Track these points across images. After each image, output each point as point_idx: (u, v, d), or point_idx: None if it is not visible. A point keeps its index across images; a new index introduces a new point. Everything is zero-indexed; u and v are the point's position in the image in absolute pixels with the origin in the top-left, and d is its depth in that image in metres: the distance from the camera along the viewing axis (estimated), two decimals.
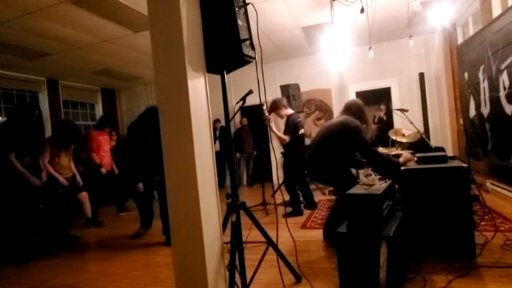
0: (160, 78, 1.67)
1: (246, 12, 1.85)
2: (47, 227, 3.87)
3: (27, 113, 3.45)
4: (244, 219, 1.94)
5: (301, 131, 4.15)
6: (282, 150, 4.18)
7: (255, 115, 6.94)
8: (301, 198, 4.32)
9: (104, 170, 4.76)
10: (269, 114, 3.99)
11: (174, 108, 1.64)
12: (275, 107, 4.15)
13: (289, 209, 4.18)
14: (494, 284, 1.94)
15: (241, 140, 6.86)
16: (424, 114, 5.94)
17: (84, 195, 4.29)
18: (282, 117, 4.22)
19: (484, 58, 3.84)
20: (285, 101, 4.27)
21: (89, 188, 4.49)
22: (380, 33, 5.55)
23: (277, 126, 4.31)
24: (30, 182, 3.40)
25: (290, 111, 4.19)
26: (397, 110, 3.68)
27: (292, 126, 4.03)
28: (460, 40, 5.21)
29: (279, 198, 4.78)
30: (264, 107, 3.81)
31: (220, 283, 1.72)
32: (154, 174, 3.52)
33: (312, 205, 4.26)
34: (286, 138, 4.00)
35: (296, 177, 4.19)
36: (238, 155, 6.93)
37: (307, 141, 6.28)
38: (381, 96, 6.60)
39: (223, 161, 6.68)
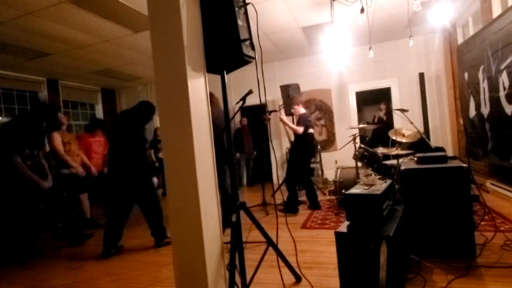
0: (160, 78, 1.67)
1: (246, 12, 1.85)
2: (56, 225, 3.87)
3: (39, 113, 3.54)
4: (244, 219, 1.94)
5: (311, 130, 4.25)
6: (288, 146, 4.25)
7: (255, 115, 6.94)
8: (305, 198, 4.36)
9: (92, 169, 4.66)
10: (269, 114, 4.02)
11: (174, 108, 1.64)
12: (294, 102, 4.38)
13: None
14: (494, 284, 1.94)
15: (241, 140, 6.85)
16: (424, 114, 5.94)
17: (84, 195, 4.29)
18: (296, 113, 4.37)
19: (484, 58, 3.84)
20: (303, 100, 4.49)
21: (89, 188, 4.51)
22: (380, 33, 5.55)
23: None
24: (40, 186, 3.45)
25: (303, 110, 4.36)
26: (397, 110, 3.68)
27: (303, 122, 4.18)
28: (460, 40, 5.21)
29: (279, 198, 4.78)
30: (280, 106, 3.89)
31: (220, 283, 1.72)
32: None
33: (315, 206, 4.27)
34: (300, 128, 4.12)
35: (301, 176, 4.25)
36: (238, 155, 6.92)
37: None
38: (381, 96, 6.60)
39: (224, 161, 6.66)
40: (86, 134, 4.89)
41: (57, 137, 3.95)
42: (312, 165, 6.69)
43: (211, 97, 3.29)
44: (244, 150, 6.89)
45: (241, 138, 6.84)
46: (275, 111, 4.78)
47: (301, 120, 4.21)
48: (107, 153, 5.02)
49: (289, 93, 5.12)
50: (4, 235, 3.43)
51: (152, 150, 6.66)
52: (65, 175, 3.96)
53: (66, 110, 6.70)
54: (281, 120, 4.04)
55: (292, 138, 4.49)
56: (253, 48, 1.83)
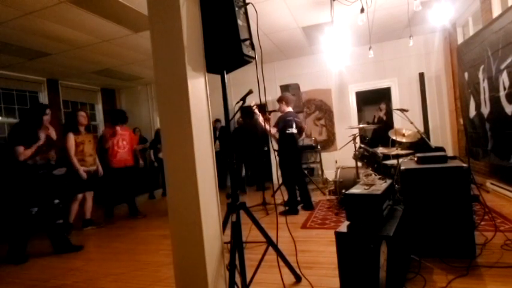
0: (160, 78, 1.67)
1: (246, 12, 1.85)
2: (48, 234, 3.62)
3: (38, 112, 3.56)
4: (244, 219, 1.94)
5: (291, 130, 4.17)
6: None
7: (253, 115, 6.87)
8: (299, 198, 4.34)
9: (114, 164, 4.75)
10: (269, 114, 4.01)
11: (174, 108, 1.64)
12: (280, 98, 4.33)
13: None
14: (494, 284, 1.94)
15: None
16: (424, 114, 5.94)
17: (90, 194, 4.33)
18: (281, 110, 4.31)
19: (484, 58, 3.84)
20: (291, 99, 4.38)
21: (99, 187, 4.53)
22: (380, 33, 5.55)
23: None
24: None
25: (288, 109, 4.28)
26: (397, 110, 3.67)
27: (280, 123, 4.15)
28: (460, 40, 5.21)
29: (279, 198, 4.78)
30: (253, 105, 3.84)
31: (220, 283, 1.72)
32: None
33: (308, 206, 4.26)
34: (272, 130, 4.13)
35: (293, 177, 4.22)
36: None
37: (307, 141, 6.29)
38: (381, 96, 6.60)
39: (224, 161, 6.66)
40: (107, 130, 4.91)
41: (70, 138, 4.11)
42: (312, 165, 6.69)
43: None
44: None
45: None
46: (275, 111, 4.78)
47: (279, 121, 4.18)
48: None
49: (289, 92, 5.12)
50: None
51: (152, 151, 6.67)
52: (56, 176, 3.96)
53: (66, 110, 6.69)
54: (258, 122, 4.02)
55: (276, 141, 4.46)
56: (253, 48, 1.83)
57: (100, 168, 4.50)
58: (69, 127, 4.23)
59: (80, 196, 4.21)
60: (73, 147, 4.11)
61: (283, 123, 4.13)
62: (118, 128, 4.75)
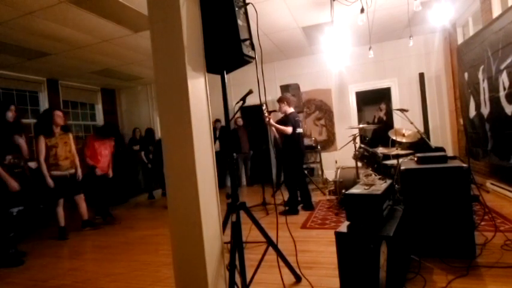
0: (160, 78, 1.67)
1: (246, 12, 1.85)
2: None
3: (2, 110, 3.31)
4: (244, 219, 1.94)
5: (299, 130, 4.20)
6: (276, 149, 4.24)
7: (253, 115, 6.91)
8: (299, 199, 4.33)
9: (98, 171, 4.65)
10: (269, 114, 4.01)
11: (174, 108, 1.64)
12: (281, 99, 4.31)
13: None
14: (494, 284, 1.93)
15: (238, 140, 6.81)
16: (424, 114, 5.94)
17: (80, 197, 4.23)
18: (281, 110, 4.30)
19: (484, 58, 3.84)
20: (292, 99, 4.39)
21: (92, 189, 4.48)
22: (380, 33, 5.55)
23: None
24: (8, 186, 3.15)
25: (291, 110, 4.28)
26: (397, 110, 3.68)
27: (291, 122, 4.13)
28: (460, 40, 5.21)
29: (279, 198, 4.78)
30: (264, 107, 3.84)
31: (220, 283, 1.72)
32: None
33: (309, 206, 4.26)
34: (289, 129, 4.07)
35: (295, 176, 4.22)
36: (235, 155, 6.86)
37: (307, 141, 6.30)
38: (381, 96, 6.60)
39: (223, 161, 6.66)
40: (94, 137, 4.81)
41: (40, 141, 3.78)
42: (312, 165, 6.69)
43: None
44: (241, 150, 6.88)
45: (238, 138, 6.82)
46: (275, 111, 4.79)
47: (289, 120, 4.15)
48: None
49: (289, 93, 5.12)
50: None
51: (143, 152, 6.60)
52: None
53: (66, 110, 6.69)
54: (269, 123, 4.00)
55: (279, 141, 4.44)
56: (253, 48, 1.82)
57: (79, 172, 4.13)
58: (41, 128, 3.82)
59: (61, 201, 3.96)
60: (43, 152, 3.75)
61: (292, 123, 4.13)
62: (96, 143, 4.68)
